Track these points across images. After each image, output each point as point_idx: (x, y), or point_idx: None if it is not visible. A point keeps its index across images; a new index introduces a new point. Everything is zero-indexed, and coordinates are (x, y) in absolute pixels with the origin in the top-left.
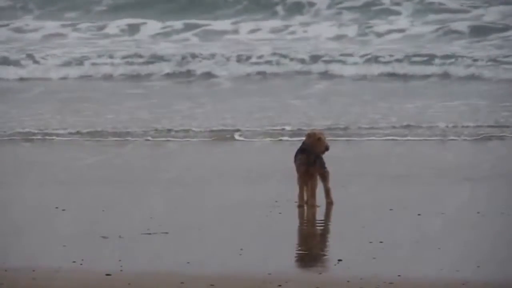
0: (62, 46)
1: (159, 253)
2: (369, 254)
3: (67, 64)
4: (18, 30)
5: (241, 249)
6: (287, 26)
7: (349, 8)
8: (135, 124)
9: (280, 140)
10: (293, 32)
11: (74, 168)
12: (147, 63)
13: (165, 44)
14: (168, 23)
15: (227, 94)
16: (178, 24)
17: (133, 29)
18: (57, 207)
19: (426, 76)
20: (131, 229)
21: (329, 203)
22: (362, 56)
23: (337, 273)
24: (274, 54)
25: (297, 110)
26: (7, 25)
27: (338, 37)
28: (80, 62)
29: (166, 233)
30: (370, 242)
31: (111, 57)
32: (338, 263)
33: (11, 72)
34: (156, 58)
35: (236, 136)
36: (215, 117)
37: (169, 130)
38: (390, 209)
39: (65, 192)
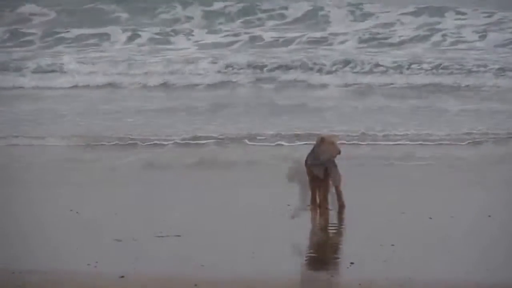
0: None
1: (172, 256)
2: (380, 257)
3: None
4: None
5: (253, 253)
6: None
7: None
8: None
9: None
10: None
11: (89, 171)
12: None
13: None
14: None
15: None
16: None
17: None
18: (71, 210)
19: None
20: (145, 232)
21: (341, 206)
22: None
23: (349, 275)
24: None
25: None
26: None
27: None
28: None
29: (179, 236)
30: (381, 245)
31: None
32: (350, 266)
33: None
34: None
35: (247, 141)
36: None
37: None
38: (402, 212)
39: (79, 195)
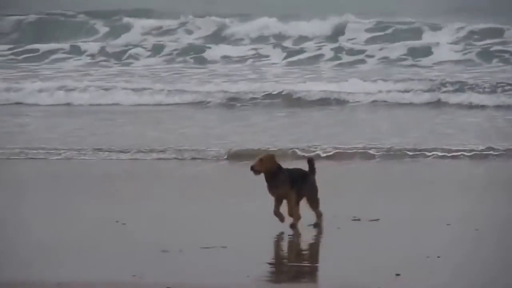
0: None
1: (218, 267)
2: (426, 268)
3: None
4: None
5: (304, 263)
6: None
7: None
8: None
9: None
10: None
11: (135, 183)
12: None
13: None
14: None
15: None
16: None
17: None
18: (117, 221)
19: None
20: (191, 243)
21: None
22: None
23: (395, 287)
24: None
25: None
26: None
27: None
28: None
29: (225, 247)
30: (428, 257)
31: None
32: (396, 277)
33: None
34: None
35: (298, 152)
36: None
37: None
38: (448, 224)
39: (125, 206)
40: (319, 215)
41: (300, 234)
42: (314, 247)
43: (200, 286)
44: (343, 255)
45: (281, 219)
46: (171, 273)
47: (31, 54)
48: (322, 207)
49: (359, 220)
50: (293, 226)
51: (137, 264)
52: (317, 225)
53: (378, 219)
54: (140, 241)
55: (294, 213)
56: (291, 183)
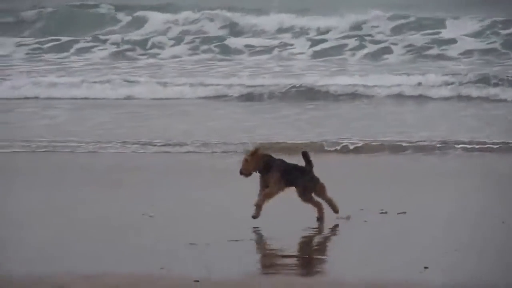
0: None
1: (246, 260)
2: (454, 261)
3: None
4: None
5: (328, 256)
6: None
7: None
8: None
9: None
10: None
11: (162, 175)
12: None
13: None
14: None
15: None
16: None
17: None
18: (143, 214)
19: None
20: (219, 236)
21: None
22: None
23: (423, 280)
24: None
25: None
26: None
27: None
28: None
29: (253, 240)
30: (456, 250)
31: None
32: (424, 270)
33: None
34: None
35: (327, 147)
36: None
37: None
38: (475, 217)
39: (152, 199)
40: (320, 208)
41: (257, 216)
42: (326, 240)
43: (227, 279)
44: (370, 248)
45: (258, 210)
46: (199, 266)
47: (55, 46)
48: (349, 200)
49: (386, 213)
50: (257, 206)
51: (165, 257)
52: (320, 219)
53: (405, 212)
54: (167, 234)
55: (265, 198)
56: (281, 173)
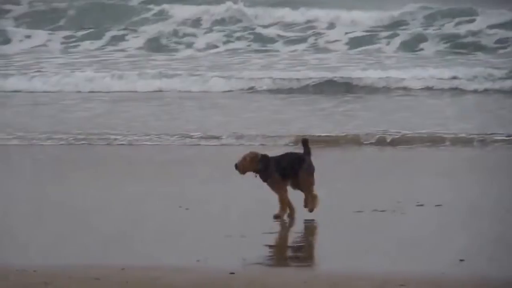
0: None
1: (284, 252)
2: (491, 254)
3: None
4: None
5: (365, 250)
6: None
7: None
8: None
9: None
10: None
11: (200, 168)
12: None
13: None
14: None
15: None
16: None
17: None
18: (180, 206)
19: None
20: (254, 228)
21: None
22: None
23: (460, 272)
24: None
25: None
26: None
27: None
28: None
29: (287, 232)
30: (492, 243)
31: None
32: (460, 262)
33: None
34: None
35: (363, 140)
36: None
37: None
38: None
39: (188, 191)
40: (313, 197)
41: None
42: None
43: (263, 271)
44: (406, 240)
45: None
46: (235, 258)
47: (89, 37)
48: (387, 193)
49: (423, 205)
50: (277, 217)
51: (201, 250)
52: (311, 210)
53: (441, 205)
54: (203, 226)
55: (282, 204)
56: (280, 174)
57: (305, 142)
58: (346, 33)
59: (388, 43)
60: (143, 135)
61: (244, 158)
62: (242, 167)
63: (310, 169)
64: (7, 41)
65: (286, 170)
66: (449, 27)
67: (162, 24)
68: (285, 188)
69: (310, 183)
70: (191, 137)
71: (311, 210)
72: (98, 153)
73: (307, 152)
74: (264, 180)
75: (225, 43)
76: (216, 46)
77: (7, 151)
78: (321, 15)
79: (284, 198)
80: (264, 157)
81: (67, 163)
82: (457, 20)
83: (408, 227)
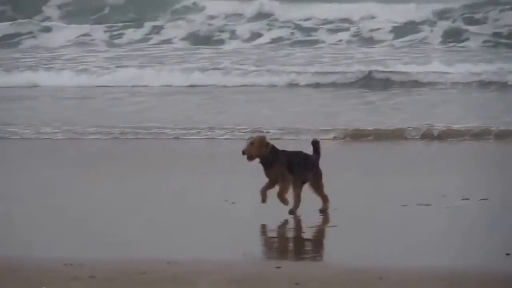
0: None
1: (328, 246)
2: None
3: None
4: None
5: (407, 243)
6: None
7: None
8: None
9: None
10: None
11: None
12: None
13: None
14: None
15: None
16: None
17: None
18: (226, 200)
19: None
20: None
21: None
22: None
23: (506, 266)
24: None
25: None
26: None
27: None
28: None
29: (335, 226)
30: None
31: None
32: (506, 256)
33: None
34: None
35: (409, 133)
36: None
37: None
38: None
39: (234, 185)
40: (325, 200)
41: (299, 220)
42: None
43: (309, 265)
44: (451, 235)
45: (285, 202)
46: (280, 252)
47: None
48: (432, 186)
49: (468, 199)
50: (292, 212)
51: (247, 244)
52: (323, 211)
53: (487, 199)
54: (249, 221)
55: (294, 199)
56: (288, 167)
57: (315, 143)
58: (393, 26)
59: (434, 38)
60: (191, 128)
61: (251, 143)
62: (249, 152)
63: (318, 173)
64: (48, 30)
65: (294, 166)
66: (494, 14)
67: (201, 16)
68: (298, 184)
69: (321, 185)
70: (239, 131)
71: (322, 212)
72: (142, 146)
73: (317, 154)
74: (270, 166)
75: (269, 36)
76: (261, 41)
77: (55, 145)
78: (368, 8)
79: (285, 191)
80: (273, 146)
81: (114, 157)
82: (503, 13)
83: (453, 221)
